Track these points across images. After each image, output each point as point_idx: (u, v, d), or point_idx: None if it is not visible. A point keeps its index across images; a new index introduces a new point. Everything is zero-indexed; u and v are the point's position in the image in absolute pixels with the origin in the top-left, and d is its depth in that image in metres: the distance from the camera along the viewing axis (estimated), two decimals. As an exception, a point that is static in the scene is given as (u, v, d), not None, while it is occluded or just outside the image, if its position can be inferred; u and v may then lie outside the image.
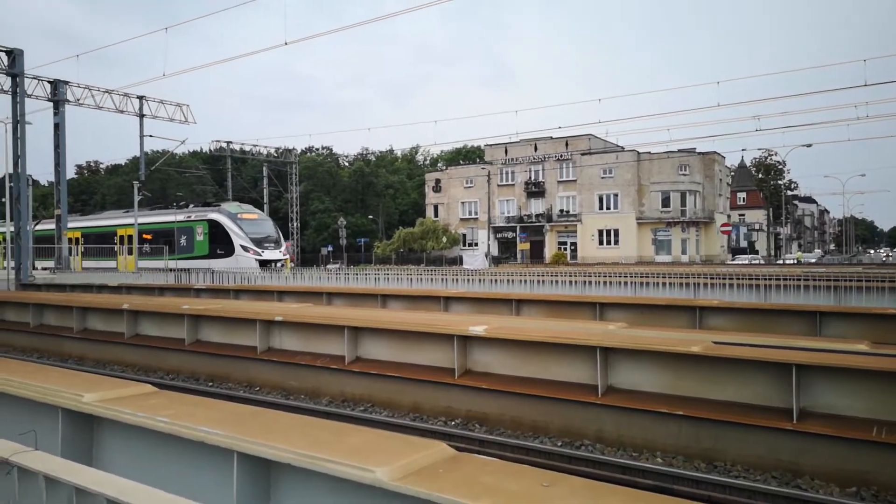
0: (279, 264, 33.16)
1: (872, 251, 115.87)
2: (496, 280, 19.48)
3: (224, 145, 51.74)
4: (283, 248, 35.16)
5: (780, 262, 47.60)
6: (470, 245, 66.21)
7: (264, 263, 31.98)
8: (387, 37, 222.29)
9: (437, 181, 69.85)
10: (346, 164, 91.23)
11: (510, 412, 7.25)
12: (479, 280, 19.87)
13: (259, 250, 33.09)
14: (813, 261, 47.41)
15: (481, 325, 7.88)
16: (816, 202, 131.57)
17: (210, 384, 9.86)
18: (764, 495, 4.83)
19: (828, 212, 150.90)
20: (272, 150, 62.32)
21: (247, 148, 53.30)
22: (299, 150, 74.38)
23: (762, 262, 53.31)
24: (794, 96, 65.19)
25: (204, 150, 76.43)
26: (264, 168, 55.50)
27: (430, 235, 62.29)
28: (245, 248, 32.69)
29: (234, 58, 64.74)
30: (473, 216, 67.12)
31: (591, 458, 5.84)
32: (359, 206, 78.25)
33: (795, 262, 47.80)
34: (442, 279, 20.57)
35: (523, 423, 7.11)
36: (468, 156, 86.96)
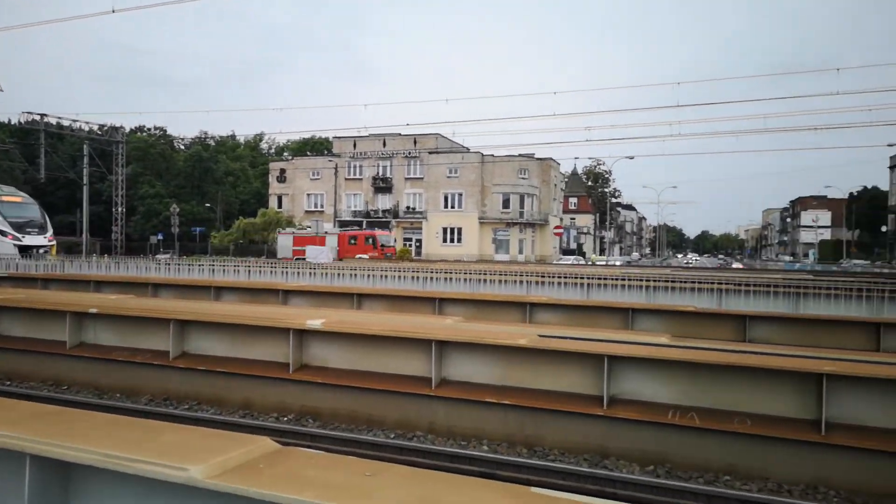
0: (42, 250, 30.70)
1: (679, 255, 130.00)
2: (340, 274, 19.27)
3: (37, 118, 46.22)
4: (48, 234, 32.61)
5: (586, 262, 51.95)
6: (314, 238, 64.91)
7: (24, 249, 29.49)
8: (235, 14, 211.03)
9: (283, 171, 67.68)
10: (182, 147, 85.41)
11: (346, 406, 7.22)
12: (322, 274, 19.55)
13: (19, 235, 30.51)
14: (603, 262, 52.15)
15: (319, 319, 7.76)
16: (636, 210, 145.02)
17: (8, 383, 8.78)
18: (576, 476, 5.24)
19: (645, 219, 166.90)
20: (95, 127, 56.65)
21: (65, 123, 47.99)
22: (128, 129, 68.31)
23: (584, 262, 57.64)
24: (619, 111, 71.19)
25: (13, 123, 67.81)
26: (85, 146, 50.32)
27: (273, 227, 60.21)
28: (3, 233, 30.04)
29: (49, 21, 57.59)
30: (319, 209, 65.89)
31: (422, 448, 5.98)
32: (195, 193, 73.63)
33: (590, 262, 52.54)
34: (283, 272, 19.96)
35: (359, 416, 7.11)
36: (316, 147, 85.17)
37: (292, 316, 8.26)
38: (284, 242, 49.79)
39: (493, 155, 60.75)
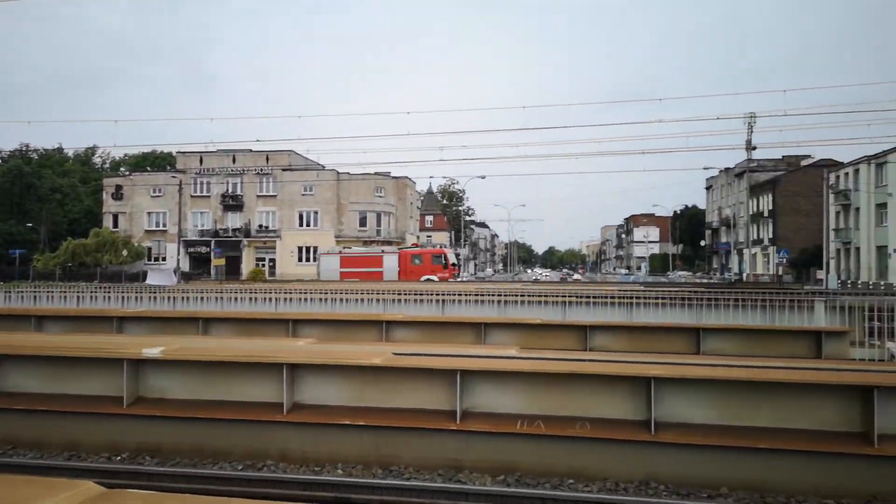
0: None
1: (529, 270, 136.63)
2: (186, 298, 18.10)
3: None
4: None
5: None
6: (156, 260, 60.59)
7: None
8: (65, 17, 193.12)
9: (118, 188, 62.54)
10: (-1, 160, 76.34)
11: (189, 440, 6.75)
12: (165, 298, 18.25)
13: None
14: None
15: (158, 347, 7.22)
16: (489, 227, 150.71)
17: None
18: (430, 493, 5.27)
19: (497, 236, 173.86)
20: None
21: None
22: (-71, 139, 59.86)
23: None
24: (472, 132, 73.89)
25: None
26: None
27: (108, 248, 55.41)
28: None
29: None
30: (161, 228, 61.63)
31: (273, 477, 5.73)
32: (14, 212, 65.97)
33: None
34: (118, 297, 18.38)
35: (204, 449, 6.67)
36: (157, 162, 79.79)
37: (126, 345, 7.61)
38: (329, 264, 43.61)
39: (348, 173, 60.45)
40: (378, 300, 16.56)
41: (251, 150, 59.57)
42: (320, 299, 17.02)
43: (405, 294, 16.53)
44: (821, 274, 53.72)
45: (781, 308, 14.01)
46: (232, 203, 61.39)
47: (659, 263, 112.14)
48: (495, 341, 11.42)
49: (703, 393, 6.16)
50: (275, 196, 61.36)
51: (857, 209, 58.92)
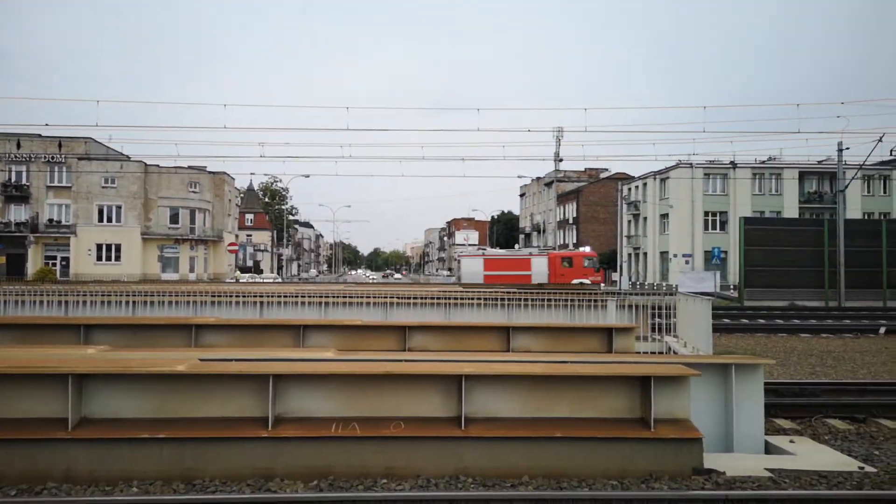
0: None
1: (353, 271, 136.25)
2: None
3: None
4: None
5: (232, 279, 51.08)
6: (-86, 257, 51.51)
7: None
8: None
9: None
10: None
11: (-55, 467, 5.77)
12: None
13: None
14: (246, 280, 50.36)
15: None
16: (314, 227, 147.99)
17: None
18: (236, 505, 5.01)
19: (322, 236, 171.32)
20: None
21: None
22: None
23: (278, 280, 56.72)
24: (295, 130, 72.07)
25: None
26: None
27: None
28: None
29: None
30: (-79, 220, 52.54)
31: (52, 501, 5.09)
32: None
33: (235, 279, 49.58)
34: None
35: (-35, 477, 5.75)
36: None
37: None
38: (472, 267, 39.44)
39: (158, 165, 55.94)
40: (190, 302, 15.49)
41: (40, 136, 52.91)
42: (125, 301, 15.52)
43: (220, 296, 15.65)
44: (615, 276, 59.76)
45: (581, 307, 15.34)
46: (16, 193, 54.05)
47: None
48: (314, 344, 11.19)
49: (509, 388, 6.52)
50: (69, 187, 55.07)
51: (645, 218, 66.39)
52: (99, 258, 55.28)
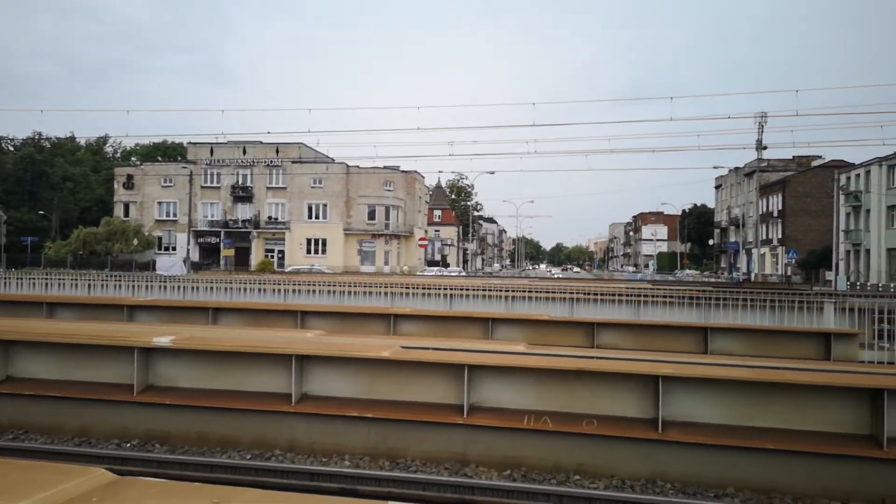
0: None
1: (536, 267, 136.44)
2: (196, 287, 18.21)
3: None
4: None
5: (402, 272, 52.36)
6: (166, 249, 60.89)
7: None
8: (83, 8, 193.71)
9: (130, 177, 62.81)
10: (12, 148, 76.79)
11: (196, 428, 6.80)
12: (175, 288, 18.36)
13: None
14: (434, 272, 50.51)
15: (168, 336, 7.27)
16: (497, 223, 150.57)
17: None
18: (436, 486, 5.29)
19: (505, 231, 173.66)
20: None
21: None
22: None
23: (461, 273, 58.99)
24: (482, 128, 73.66)
25: None
26: None
27: (119, 237, 55.71)
28: None
29: None
30: (172, 218, 61.91)
31: (280, 467, 5.77)
32: (26, 200, 66.43)
33: (403, 272, 50.06)
34: (129, 286, 18.50)
35: (211, 438, 6.72)
36: (168, 153, 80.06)
37: (137, 333, 7.67)
38: None
39: (357, 166, 60.50)
40: (386, 293, 16.60)
41: (261, 143, 59.73)
42: (329, 291, 17.08)
43: (413, 288, 16.56)
44: (830, 275, 53.32)
45: (790, 309, 13.93)
46: (242, 194, 61.59)
47: (667, 262, 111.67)
48: (502, 336, 11.42)
49: (710, 392, 6.14)
50: (284, 188, 61.50)
51: (868, 211, 58.42)
52: (308, 251, 61.18)
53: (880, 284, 47.36)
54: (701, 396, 6.15)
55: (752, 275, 69.10)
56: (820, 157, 76.17)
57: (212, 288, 17.88)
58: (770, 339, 10.87)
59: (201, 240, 61.26)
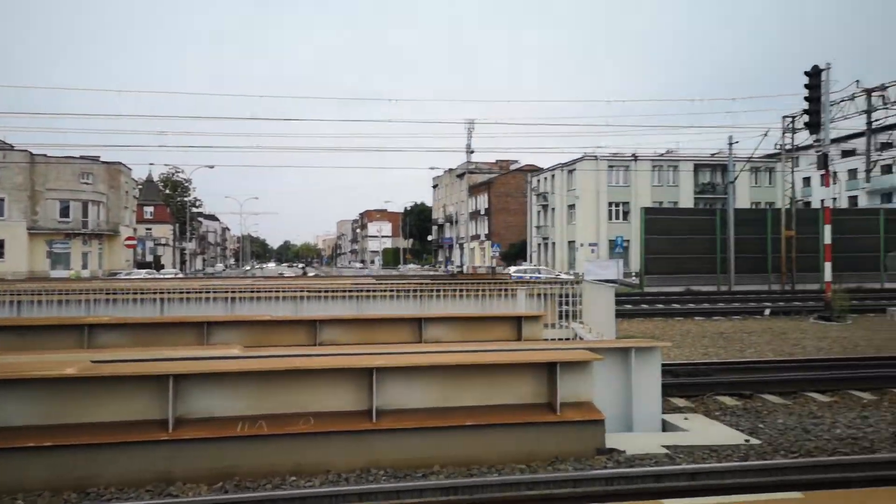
0: None
1: (264, 266, 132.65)
2: None
3: None
4: None
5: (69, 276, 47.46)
6: None
7: None
8: None
9: None
10: None
11: None
12: None
13: None
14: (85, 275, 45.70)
15: None
16: (219, 220, 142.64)
17: None
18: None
19: (229, 229, 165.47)
20: None
21: None
22: None
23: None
24: (200, 118, 68.96)
25: None
26: None
27: None
28: None
29: None
30: None
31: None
32: None
33: (71, 276, 45.57)
34: None
35: None
36: None
37: None
38: None
39: (45, 155, 52.14)
40: (82, 301, 14.56)
41: None
42: (10, 301, 14.37)
43: (113, 293, 14.80)
44: (525, 265, 61.13)
45: (493, 297, 15.61)
46: None
47: (391, 257, 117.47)
48: (220, 341, 10.79)
49: (420, 379, 6.54)
50: (-59, 178, 50.41)
51: (554, 209, 68.32)
52: (-21, 255, 51.01)
53: (563, 271, 55.70)
54: (411, 383, 6.52)
55: (465, 267, 76.07)
56: (517, 161, 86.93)
57: None
58: (476, 324, 12.00)
59: None
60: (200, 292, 15.69)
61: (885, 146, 48.38)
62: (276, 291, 16.05)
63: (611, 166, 60.91)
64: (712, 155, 60.46)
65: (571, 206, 62.89)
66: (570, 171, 63.14)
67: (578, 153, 59.09)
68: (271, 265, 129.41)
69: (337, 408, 6.36)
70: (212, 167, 56.46)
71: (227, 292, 15.72)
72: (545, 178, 69.69)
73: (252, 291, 16.08)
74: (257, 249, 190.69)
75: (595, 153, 57.34)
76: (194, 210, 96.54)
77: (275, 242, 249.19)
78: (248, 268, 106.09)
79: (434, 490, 5.13)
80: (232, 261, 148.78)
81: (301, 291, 16.05)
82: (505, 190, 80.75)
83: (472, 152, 59.05)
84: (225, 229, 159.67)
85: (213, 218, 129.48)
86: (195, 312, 14.50)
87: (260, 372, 6.27)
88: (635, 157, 60.60)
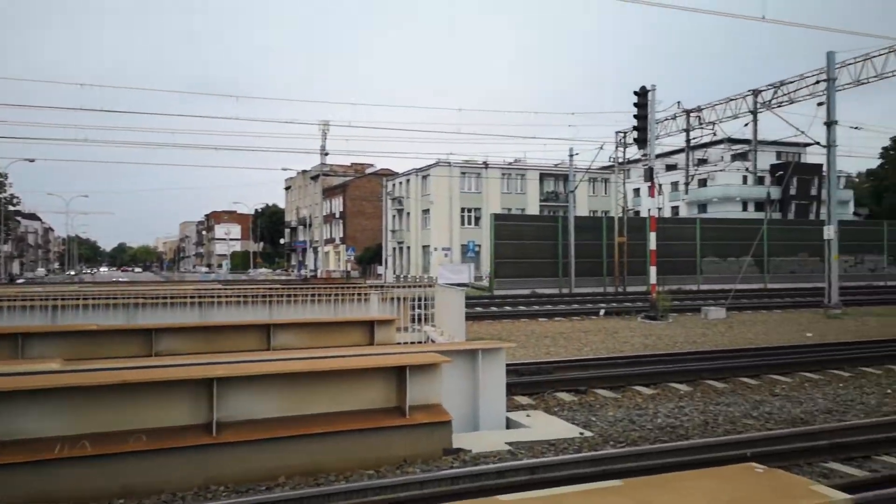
0: None
1: (96, 270, 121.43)
2: None
3: None
4: None
5: None
6: None
7: None
8: None
9: None
10: None
11: None
12: None
13: None
14: None
15: None
16: (41, 220, 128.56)
17: None
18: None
19: (53, 230, 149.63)
20: None
21: None
22: None
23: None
24: (15, 106, 61.86)
25: None
26: None
27: None
28: None
29: None
30: None
31: None
32: None
33: None
34: None
35: None
36: None
37: None
38: None
39: None
40: None
41: None
42: None
43: None
44: (381, 269, 61.28)
45: (346, 301, 15.45)
46: None
47: (240, 261, 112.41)
48: (38, 355, 9.72)
49: (267, 388, 6.30)
50: None
51: (409, 214, 69.10)
52: None
53: (417, 276, 56.54)
54: (257, 393, 6.26)
55: (319, 271, 74.65)
56: (372, 165, 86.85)
57: None
58: (327, 330, 11.81)
59: None
60: (15, 300, 14.03)
61: (702, 161, 54.32)
62: (107, 298, 14.74)
63: (463, 173, 62.76)
64: (555, 165, 64.35)
65: (426, 211, 63.98)
66: (425, 177, 64.25)
67: (432, 159, 60.29)
68: (103, 269, 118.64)
69: (174, 422, 5.95)
70: (32, 161, 50.54)
71: (48, 300, 14.19)
72: (400, 183, 70.32)
73: (78, 299, 14.65)
74: (87, 252, 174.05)
75: (448, 159, 58.82)
76: (12, 208, 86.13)
77: (108, 245, 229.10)
78: (72, 272, 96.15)
79: (276, 503, 4.97)
80: (56, 265, 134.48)
81: (136, 298, 14.88)
82: (360, 194, 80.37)
83: (327, 154, 58.24)
84: (48, 230, 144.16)
85: (34, 217, 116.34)
86: (8, 323, 12.94)
87: (82, 387, 5.72)
88: (486, 165, 62.92)
